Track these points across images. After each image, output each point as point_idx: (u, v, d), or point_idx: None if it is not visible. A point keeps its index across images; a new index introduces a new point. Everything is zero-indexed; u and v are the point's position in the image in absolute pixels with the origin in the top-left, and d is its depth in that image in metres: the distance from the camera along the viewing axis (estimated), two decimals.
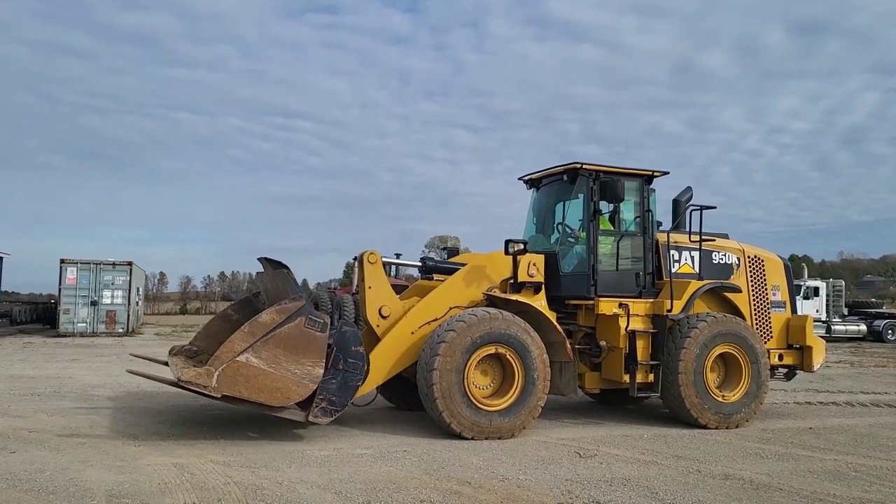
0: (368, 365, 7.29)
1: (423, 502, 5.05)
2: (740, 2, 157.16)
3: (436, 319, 7.89)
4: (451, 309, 8.01)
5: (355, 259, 8.34)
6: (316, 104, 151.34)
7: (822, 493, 5.52)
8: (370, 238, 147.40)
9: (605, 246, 8.60)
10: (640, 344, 8.33)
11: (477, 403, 7.38)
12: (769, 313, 9.46)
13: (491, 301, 8.20)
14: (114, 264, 26.09)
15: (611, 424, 8.58)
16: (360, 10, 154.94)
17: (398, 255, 10.88)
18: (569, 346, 7.98)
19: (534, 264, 8.19)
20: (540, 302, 8.19)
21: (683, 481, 5.83)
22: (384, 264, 8.34)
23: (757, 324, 9.30)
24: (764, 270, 9.56)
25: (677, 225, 9.38)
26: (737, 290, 9.12)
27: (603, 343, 8.46)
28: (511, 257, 8.18)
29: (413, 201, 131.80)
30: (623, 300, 8.44)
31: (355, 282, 8.39)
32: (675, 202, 9.59)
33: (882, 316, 30.83)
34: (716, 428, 8.25)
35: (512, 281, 8.26)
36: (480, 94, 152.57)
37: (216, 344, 7.16)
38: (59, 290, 25.42)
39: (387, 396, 9.35)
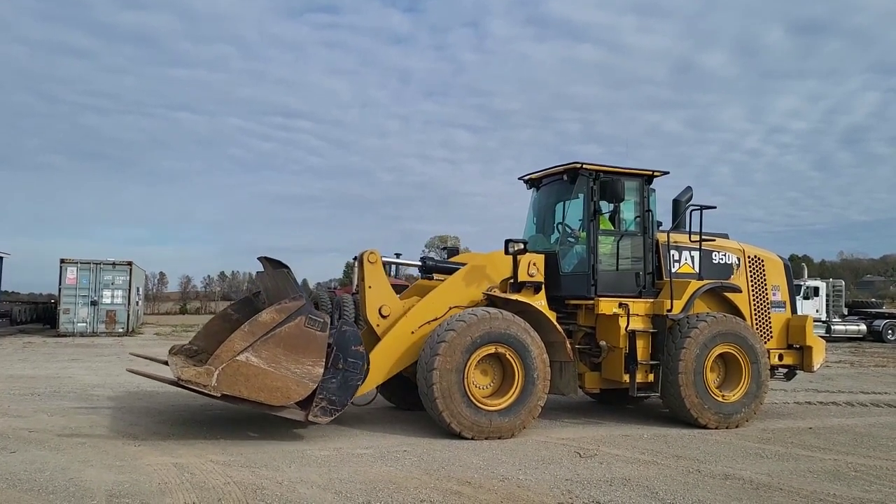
0: (368, 364, 7.29)
1: (423, 502, 5.05)
2: (740, 2, 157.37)
3: (436, 319, 7.89)
4: (451, 308, 8.02)
5: (355, 259, 8.35)
6: (316, 104, 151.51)
7: (822, 493, 5.52)
8: (370, 238, 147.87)
9: (605, 246, 8.60)
10: (640, 344, 8.33)
11: (477, 403, 7.38)
12: (769, 313, 9.46)
13: (491, 301, 8.20)
14: (114, 264, 26.11)
15: (611, 424, 8.58)
16: (360, 10, 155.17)
17: (398, 255, 10.85)
18: (569, 345, 7.98)
19: (534, 264, 8.19)
20: (540, 302, 8.19)
21: (683, 481, 5.83)
22: (384, 264, 8.35)
23: (757, 324, 9.30)
24: (764, 270, 9.56)
25: (677, 225, 9.39)
26: (737, 290, 9.13)
27: (603, 343, 8.47)
28: (511, 257, 8.18)
29: (413, 201, 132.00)
30: (623, 300, 8.44)
31: (355, 281, 8.40)
32: (675, 202, 9.59)
33: (882, 316, 30.84)
34: (716, 428, 8.25)
35: (512, 281, 8.26)
36: (480, 94, 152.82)
37: (216, 343, 7.16)
38: (59, 289, 25.44)
39: (387, 396, 9.35)
